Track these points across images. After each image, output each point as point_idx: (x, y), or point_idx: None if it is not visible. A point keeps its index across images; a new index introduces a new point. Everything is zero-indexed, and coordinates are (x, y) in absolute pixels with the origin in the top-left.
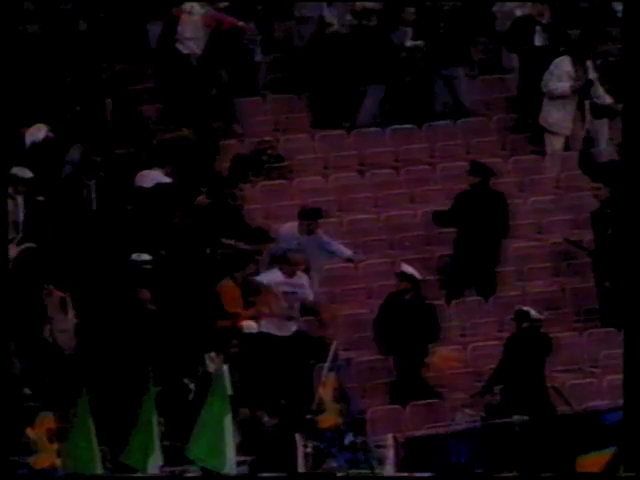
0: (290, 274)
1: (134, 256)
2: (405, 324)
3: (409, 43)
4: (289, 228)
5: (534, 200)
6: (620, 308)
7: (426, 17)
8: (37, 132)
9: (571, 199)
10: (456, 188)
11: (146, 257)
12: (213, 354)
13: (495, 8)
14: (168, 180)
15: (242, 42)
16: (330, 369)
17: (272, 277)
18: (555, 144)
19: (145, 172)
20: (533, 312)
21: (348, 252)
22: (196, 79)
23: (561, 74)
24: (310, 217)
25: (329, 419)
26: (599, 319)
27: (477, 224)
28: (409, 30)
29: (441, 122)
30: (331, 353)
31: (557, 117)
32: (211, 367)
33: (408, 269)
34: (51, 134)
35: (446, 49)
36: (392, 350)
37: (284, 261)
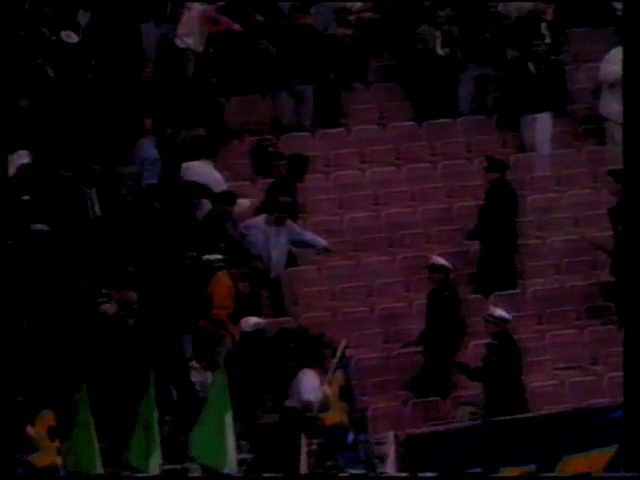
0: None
1: (208, 256)
2: (446, 316)
3: (440, 51)
4: (257, 219)
5: (534, 198)
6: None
7: (458, 17)
8: (18, 159)
9: (572, 197)
10: (457, 186)
11: (218, 256)
12: (195, 364)
13: (500, 6)
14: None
15: (246, 40)
16: (338, 367)
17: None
18: (616, 134)
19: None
20: (499, 312)
21: (323, 242)
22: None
23: (618, 61)
24: (279, 209)
25: (334, 417)
26: (610, 317)
27: (504, 219)
28: (438, 34)
29: (442, 120)
30: (339, 351)
31: (618, 106)
32: (195, 376)
33: (439, 260)
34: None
35: (479, 49)
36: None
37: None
